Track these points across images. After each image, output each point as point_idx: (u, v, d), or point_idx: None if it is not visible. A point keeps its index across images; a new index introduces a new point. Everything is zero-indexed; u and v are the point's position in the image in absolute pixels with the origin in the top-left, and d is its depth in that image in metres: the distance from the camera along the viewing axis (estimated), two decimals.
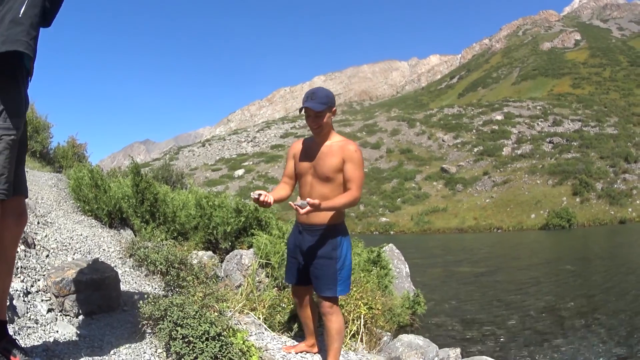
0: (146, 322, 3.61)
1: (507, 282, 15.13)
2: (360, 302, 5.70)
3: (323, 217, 3.57)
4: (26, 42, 2.43)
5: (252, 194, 3.37)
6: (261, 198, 3.37)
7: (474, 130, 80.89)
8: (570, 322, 9.71)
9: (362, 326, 5.50)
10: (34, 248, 4.54)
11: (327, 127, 3.60)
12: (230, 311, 4.57)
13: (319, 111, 3.50)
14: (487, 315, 10.66)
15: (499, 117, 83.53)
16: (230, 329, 3.43)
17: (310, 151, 3.66)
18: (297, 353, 4.13)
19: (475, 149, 73.02)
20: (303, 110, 3.54)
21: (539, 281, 14.87)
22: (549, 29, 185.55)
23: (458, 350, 5.81)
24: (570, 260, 20.24)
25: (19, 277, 3.77)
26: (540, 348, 8.06)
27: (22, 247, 4.31)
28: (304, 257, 3.72)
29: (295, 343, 4.45)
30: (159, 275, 5.23)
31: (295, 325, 5.17)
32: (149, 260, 5.12)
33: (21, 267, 3.96)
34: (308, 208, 3.19)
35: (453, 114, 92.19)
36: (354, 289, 5.75)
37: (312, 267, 3.66)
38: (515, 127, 77.71)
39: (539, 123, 79.01)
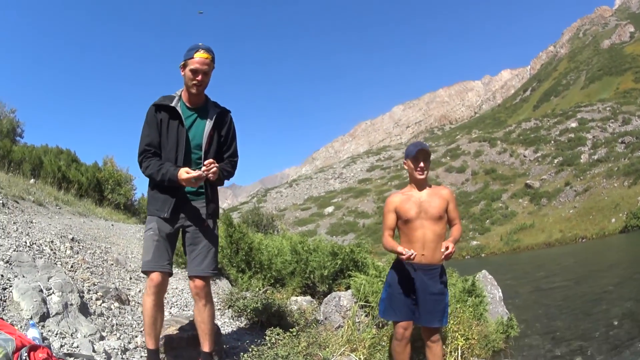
0: None
1: (590, 292, 14.50)
2: (457, 334, 5.65)
3: (437, 258, 4.02)
4: None
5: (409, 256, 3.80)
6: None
7: (552, 142, 79.55)
8: None
9: (459, 357, 5.45)
10: (129, 304, 4.61)
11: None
12: (333, 356, 4.63)
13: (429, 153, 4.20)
14: (574, 329, 10.30)
15: (574, 125, 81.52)
16: None
17: (414, 199, 4.17)
18: None
19: (556, 160, 71.78)
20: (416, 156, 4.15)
21: (620, 287, 14.27)
22: (605, 26, 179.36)
23: None
24: None
25: (115, 335, 3.84)
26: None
27: (116, 304, 4.39)
28: (416, 294, 4.08)
29: None
30: (259, 325, 5.31)
31: None
32: (249, 309, 5.22)
33: (116, 324, 4.02)
34: (452, 249, 3.75)
35: (530, 127, 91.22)
36: (451, 321, 5.72)
37: (427, 303, 4.05)
38: (590, 132, 75.97)
39: (610, 124, 76.90)
